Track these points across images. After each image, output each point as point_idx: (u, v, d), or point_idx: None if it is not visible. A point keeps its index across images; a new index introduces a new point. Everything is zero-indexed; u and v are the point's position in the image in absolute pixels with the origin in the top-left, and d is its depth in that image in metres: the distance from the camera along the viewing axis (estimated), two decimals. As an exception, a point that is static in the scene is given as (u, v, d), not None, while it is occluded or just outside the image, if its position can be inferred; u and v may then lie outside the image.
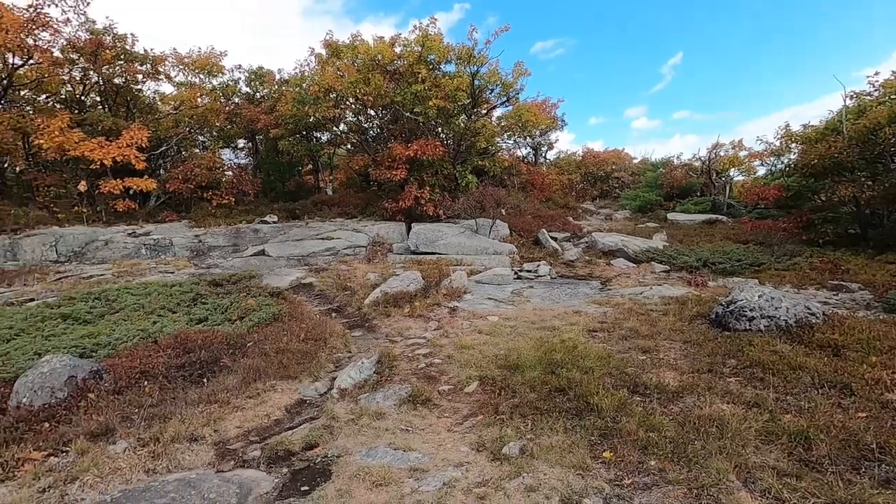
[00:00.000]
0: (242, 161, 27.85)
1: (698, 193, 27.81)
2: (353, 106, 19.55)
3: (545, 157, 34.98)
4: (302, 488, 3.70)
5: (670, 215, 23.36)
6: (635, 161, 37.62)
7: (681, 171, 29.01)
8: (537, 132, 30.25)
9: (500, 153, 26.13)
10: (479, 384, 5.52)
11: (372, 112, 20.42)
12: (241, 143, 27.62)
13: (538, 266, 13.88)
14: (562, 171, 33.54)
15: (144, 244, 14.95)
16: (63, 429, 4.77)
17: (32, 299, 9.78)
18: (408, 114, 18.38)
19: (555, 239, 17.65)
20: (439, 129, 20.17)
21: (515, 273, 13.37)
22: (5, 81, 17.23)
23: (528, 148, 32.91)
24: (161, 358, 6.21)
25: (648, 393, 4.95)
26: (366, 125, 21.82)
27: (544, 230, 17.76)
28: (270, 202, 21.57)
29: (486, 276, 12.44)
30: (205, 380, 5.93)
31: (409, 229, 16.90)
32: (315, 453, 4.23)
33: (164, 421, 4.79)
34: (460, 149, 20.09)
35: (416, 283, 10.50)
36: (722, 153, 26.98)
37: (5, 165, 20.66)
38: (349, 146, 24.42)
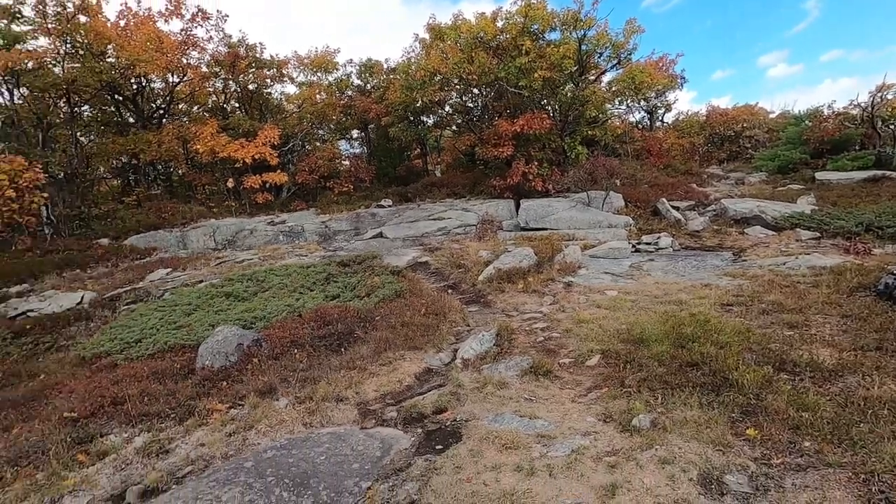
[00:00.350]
0: (357, 150, 29.77)
1: (857, 147, 23.63)
2: (457, 86, 19.76)
3: (662, 121, 32.23)
4: (436, 447, 4.01)
5: (819, 174, 20.22)
6: (772, 116, 32.99)
7: (833, 123, 24.81)
8: (652, 94, 27.91)
9: (611, 121, 24.65)
10: (602, 357, 5.44)
11: (476, 91, 20.46)
12: (354, 133, 29.47)
13: (658, 238, 13.00)
14: (682, 134, 30.62)
15: (281, 231, 16.81)
16: (237, 387, 5.68)
17: (201, 281, 11.58)
18: (512, 89, 18.10)
19: (676, 208, 16.33)
20: (545, 101, 19.59)
21: (633, 246, 12.68)
22: (168, 97, 20.27)
23: (643, 112, 30.57)
24: (306, 329, 7.04)
25: (798, 371, 4.49)
26: (470, 105, 21.94)
27: (664, 199, 16.51)
28: (384, 187, 22.83)
29: (601, 250, 11.99)
30: (343, 349, 6.62)
31: (517, 206, 16.81)
32: (445, 417, 4.54)
33: (314, 383, 5.46)
34: (568, 120, 19.35)
35: (529, 259, 10.49)
36: (890, 96, 22.52)
37: (171, 170, 24.48)
38: (454, 127, 24.79)
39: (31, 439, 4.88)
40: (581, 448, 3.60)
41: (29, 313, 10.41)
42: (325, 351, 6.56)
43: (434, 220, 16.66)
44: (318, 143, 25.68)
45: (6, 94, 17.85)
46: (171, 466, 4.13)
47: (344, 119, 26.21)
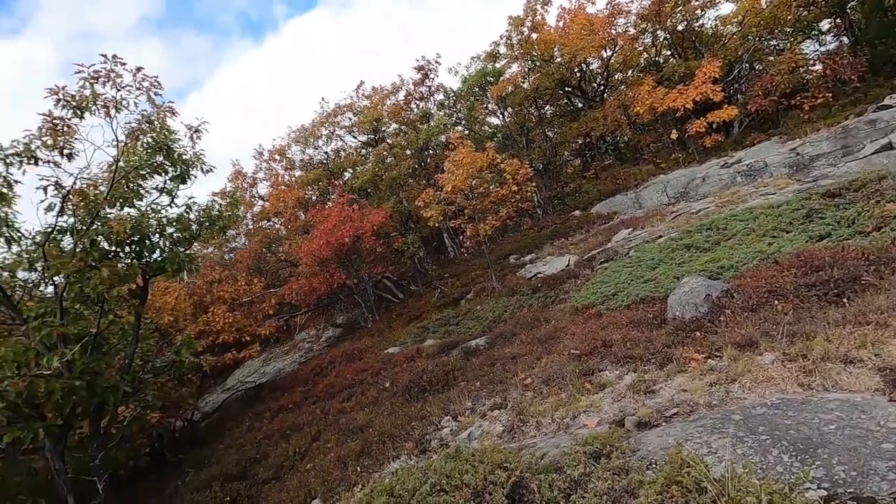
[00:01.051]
0: (830, 47, 22.64)
1: None
2: None
3: None
4: None
5: None
6: None
7: None
8: None
9: None
10: None
11: None
12: (824, 25, 22.54)
13: None
14: None
15: (738, 172, 14.99)
16: (711, 338, 5.53)
17: (660, 236, 11.92)
18: None
19: None
20: None
21: None
22: (605, 72, 21.90)
23: None
24: (786, 277, 6.04)
25: None
26: None
27: None
28: (885, 80, 16.39)
29: None
30: (844, 299, 5.27)
31: None
32: None
33: (806, 339, 4.62)
34: None
35: None
36: None
37: (617, 139, 26.33)
38: None
39: (553, 368, 6.46)
40: None
41: (538, 275, 13.77)
42: (817, 302, 5.42)
43: None
44: (770, 59, 21.24)
45: (500, 115, 24.16)
46: (658, 405, 4.49)
47: (805, 13, 20.47)
